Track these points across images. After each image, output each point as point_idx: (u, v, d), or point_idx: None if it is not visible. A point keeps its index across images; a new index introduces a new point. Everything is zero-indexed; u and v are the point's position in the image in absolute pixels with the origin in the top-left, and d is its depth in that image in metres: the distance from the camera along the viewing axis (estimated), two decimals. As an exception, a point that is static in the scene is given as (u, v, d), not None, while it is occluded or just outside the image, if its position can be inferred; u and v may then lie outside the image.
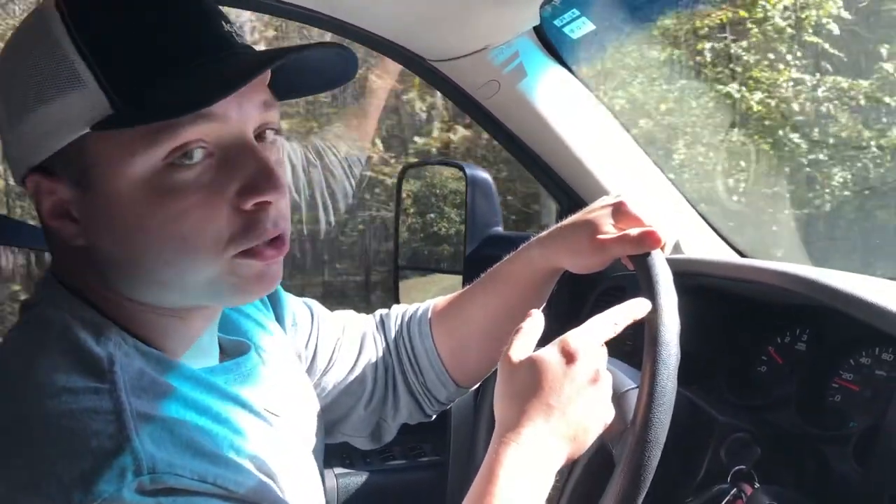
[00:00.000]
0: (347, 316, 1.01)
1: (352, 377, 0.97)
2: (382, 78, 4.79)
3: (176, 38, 0.62)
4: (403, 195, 1.71)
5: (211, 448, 0.61)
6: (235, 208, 0.63)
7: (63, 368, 0.60)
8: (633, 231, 0.84)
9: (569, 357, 0.72)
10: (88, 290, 0.67)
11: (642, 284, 0.80)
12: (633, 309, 0.77)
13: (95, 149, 0.62)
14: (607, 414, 0.75)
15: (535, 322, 0.77)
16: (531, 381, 0.72)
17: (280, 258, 0.67)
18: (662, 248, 0.83)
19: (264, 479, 0.65)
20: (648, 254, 0.81)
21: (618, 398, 0.80)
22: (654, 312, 0.76)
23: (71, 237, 0.65)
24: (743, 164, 4.48)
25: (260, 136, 0.66)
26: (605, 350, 0.75)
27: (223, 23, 0.66)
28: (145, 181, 0.61)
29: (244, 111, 0.64)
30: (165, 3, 0.63)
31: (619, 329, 0.76)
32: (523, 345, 0.75)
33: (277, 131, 0.69)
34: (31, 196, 0.66)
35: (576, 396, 0.71)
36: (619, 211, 0.87)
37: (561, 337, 0.74)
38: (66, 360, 0.61)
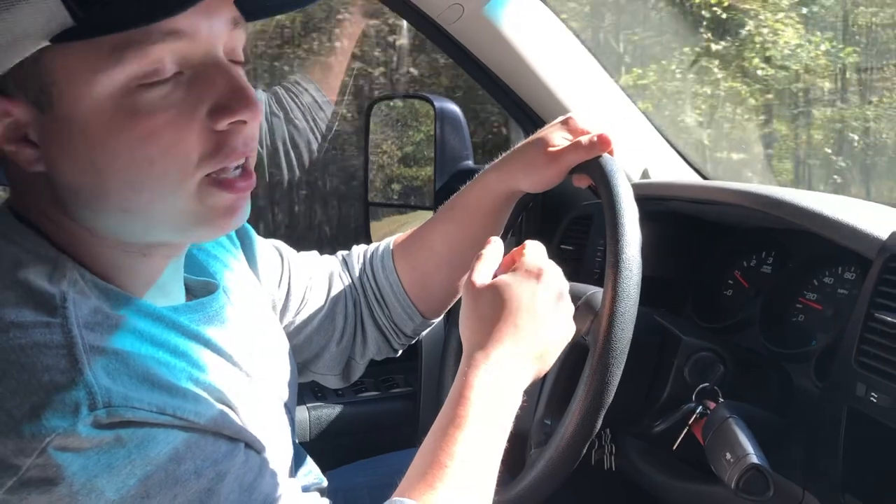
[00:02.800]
0: (313, 256, 1.01)
1: (323, 315, 0.97)
2: (348, 29, 4.67)
3: None
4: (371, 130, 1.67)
5: (168, 380, 0.59)
6: (207, 129, 0.60)
7: (11, 303, 0.57)
8: (584, 138, 0.86)
9: (536, 276, 0.74)
10: (46, 221, 0.63)
11: (596, 182, 0.81)
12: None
13: (55, 65, 0.57)
14: (570, 330, 0.76)
15: (496, 247, 0.78)
16: (497, 303, 0.72)
17: (248, 192, 0.65)
18: (611, 153, 0.85)
19: (225, 409, 0.63)
20: (600, 156, 0.84)
21: (586, 298, 0.83)
22: (612, 206, 0.77)
23: (28, 162, 0.61)
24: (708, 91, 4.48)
25: (230, 59, 0.63)
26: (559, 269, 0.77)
27: None
28: (110, 100, 0.57)
29: (214, 28, 0.60)
30: None
31: None
32: (485, 269, 0.76)
33: (242, 64, 0.65)
34: None
35: (543, 315, 0.73)
36: (568, 125, 0.90)
37: (521, 260, 0.75)
38: (15, 294, 0.58)
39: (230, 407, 0.64)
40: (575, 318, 0.77)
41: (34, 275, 0.59)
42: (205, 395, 0.62)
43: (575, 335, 0.77)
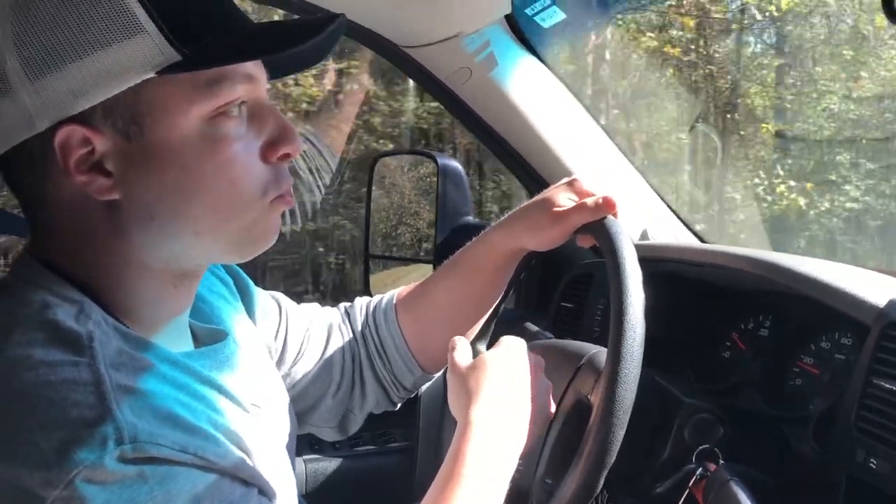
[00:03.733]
0: (313, 308, 1.02)
1: (320, 368, 0.97)
2: (355, 89, 4.79)
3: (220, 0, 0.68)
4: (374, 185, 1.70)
5: (190, 420, 0.61)
6: (262, 160, 0.68)
7: (40, 343, 0.59)
8: (589, 200, 0.88)
9: (506, 349, 0.83)
10: (75, 263, 0.66)
11: (601, 244, 0.82)
12: None
13: (153, 96, 0.63)
14: (546, 386, 0.84)
15: (461, 340, 0.87)
16: (480, 376, 0.80)
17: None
18: (615, 215, 0.86)
19: (241, 453, 0.65)
20: (605, 218, 0.85)
21: (589, 357, 0.85)
22: (617, 267, 0.78)
23: (102, 191, 0.64)
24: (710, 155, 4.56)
25: None
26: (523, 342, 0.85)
27: None
28: (197, 129, 0.64)
29: (263, 76, 0.70)
30: None
31: None
32: (463, 353, 0.84)
33: None
34: (58, 148, 0.63)
35: (521, 375, 0.81)
36: (573, 187, 0.92)
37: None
38: (44, 335, 0.60)
39: (245, 451, 0.66)
40: (579, 376, 0.78)
41: (62, 315, 0.61)
42: (223, 438, 0.63)
43: (578, 394, 0.78)
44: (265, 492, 0.66)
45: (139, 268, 0.68)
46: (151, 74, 0.62)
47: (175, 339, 0.72)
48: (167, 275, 0.70)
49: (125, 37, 0.62)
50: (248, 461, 0.65)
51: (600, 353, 0.85)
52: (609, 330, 0.77)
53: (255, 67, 0.68)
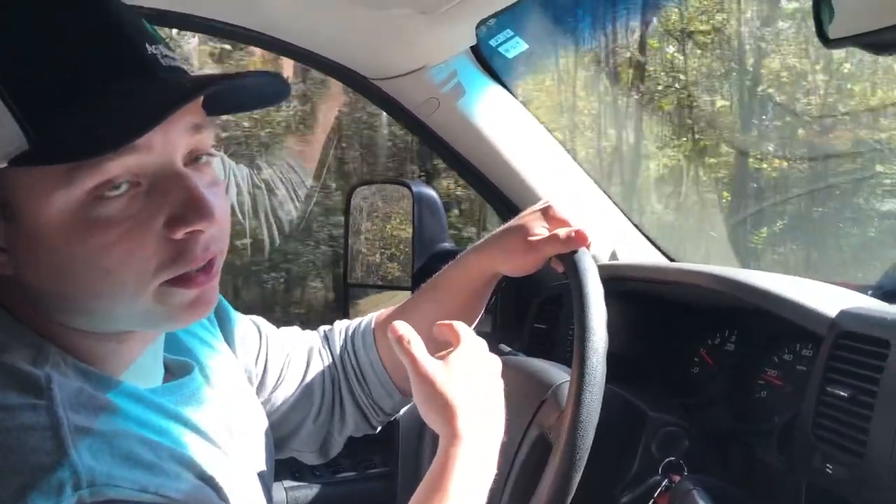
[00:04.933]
0: (293, 332, 1.02)
1: (300, 393, 0.97)
2: (328, 104, 4.82)
3: (89, 63, 0.59)
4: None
5: (150, 458, 0.60)
6: (164, 238, 0.62)
7: None
8: (562, 231, 0.89)
9: (472, 350, 0.79)
10: (23, 314, 0.65)
11: (570, 279, 0.84)
12: None
13: (15, 182, 0.60)
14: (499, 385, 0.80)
15: (405, 326, 0.79)
16: (449, 383, 0.76)
17: (213, 283, 0.66)
18: (588, 247, 0.88)
19: (205, 486, 0.65)
20: (576, 251, 0.86)
21: (553, 390, 0.86)
22: (582, 304, 0.80)
23: (2, 266, 0.63)
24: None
25: (195, 158, 0.65)
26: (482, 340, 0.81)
27: (147, 45, 0.63)
28: (68, 215, 0.59)
29: (170, 139, 0.62)
30: (78, 28, 0.60)
31: None
32: (423, 354, 0.78)
33: (210, 154, 0.67)
34: None
35: (487, 377, 0.78)
36: (547, 214, 0.93)
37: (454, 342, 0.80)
38: (1, 378, 0.59)
39: (210, 485, 0.66)
40: (543, 410, 0.79)
41: (20, 359, 0.60)
42: (186, 473, 0.63)
43: (541, 428, 0.79)
44: None
45: (70, 330, 0.65)
46: (2, 165, 0.58)
47: (144, 375, 0.71)
48: (102, 337, 0.67)
49: None
50: (215, 496, 0.65)
51: (564, 386, 0.87)
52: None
53: (143, 136, 0.59)
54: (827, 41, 0.72)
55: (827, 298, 0.96)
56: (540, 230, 0.91)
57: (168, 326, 0.69)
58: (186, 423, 0.69)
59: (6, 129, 0.57)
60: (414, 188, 1.50)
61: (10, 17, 0.59)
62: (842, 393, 0.85)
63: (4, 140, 0.57)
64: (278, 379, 0.96)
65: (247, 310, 0.99)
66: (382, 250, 1.88)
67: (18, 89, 0.58)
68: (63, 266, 0.61)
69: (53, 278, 0.62)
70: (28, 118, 0.57)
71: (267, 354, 0.96)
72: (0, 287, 0.66)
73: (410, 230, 1.51)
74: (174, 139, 0.62)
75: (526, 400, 0.90)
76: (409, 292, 1.50)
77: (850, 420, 0.83)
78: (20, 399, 0.57)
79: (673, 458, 0.94)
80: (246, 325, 0.95)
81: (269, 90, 0.68)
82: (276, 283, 4.96)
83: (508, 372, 1.00)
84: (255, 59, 4.52)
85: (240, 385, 0.87)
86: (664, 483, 0.92)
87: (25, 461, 0.55)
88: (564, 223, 0.91)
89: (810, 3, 0.72)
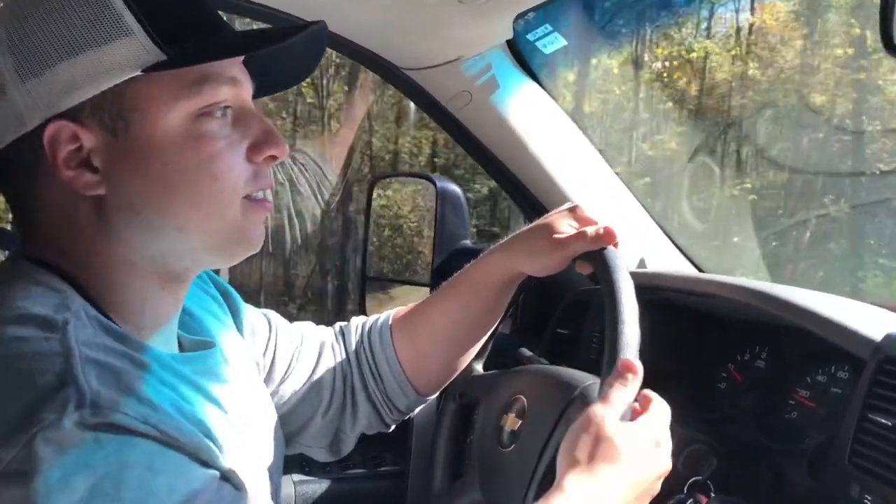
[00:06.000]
0: (306, 326, 1.02)
1: (309, 386, 0.97)
2: (357, 108, 4.83)
3: (201, 6, 0.71)
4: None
5: (154, 398, 0.61)
6: (246, 160, 0.71)
7: (14, 322, 0.61)
8: (590, 229, 0.87)
9: (655, 442, 0.73)
10: (64, 260, 0.68)
11: (599, 276, 0.82)
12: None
13: (139, 93, 0.66)
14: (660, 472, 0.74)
15: (630, 390, 0.74)
16: (613, 452, 0.70)
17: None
18: (616, 246, 0.85)
19: (207, 441, 0.64)
20: (605, 248, 0.84)
21: (582, 390, 0.84)
22: (614, 299, 0.78)
23: (88, 186, 0.66)
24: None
25: None
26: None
27: None
28: (182, 126, 0.67)
29: (248, 82, 0.73)
30: None
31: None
32: (618, 410, 0.73)
33: None
34: (47, 144, 0.66)
35: (647, 476, 0.72)
36: (574, 213, 0.91)
37: (646, 417, 0.74)
38: (19, 315, 0.62)
39: (214, 443, 0.65)
40: (570, 410, 0.77)
41: (40, 305, 0.63)
42: (187, 422, 0.63)
43: (567, 426, 0.76)
44: (229, 479, 0.64)
45: (126, 266, 0.69)
46: (138, 72, 0.65)
47: (160, 345, 0.72)
48: (154, 275, 0.71)
49: (113, 37, 0.65)
50: (216, 450, 0.64)
51: (593, 386, 0.84)
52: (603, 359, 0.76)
53: (239, 73, 0.71)
54: (892, 47, 0.70)
55: (871, 320, 0.92)
56: (566, 228, 0.90)
57: (235, 251, 0.74)
58: (200, 390, 0.70)
59: (139, 43, 0.65)
60: (438, 183, 1.48)
61: None
62: (884, 421, 0.81)
63: (136, 52, 0.65)
64: (286, 372, 0.96)
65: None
66: (402, 244, 1.86)
67: (151, 16, 0.66)
68: (170, 175, 0.67)
69: (159, 191, 0.67)
70: (160, 36, 0.66)
71: (276, 346, 0.95)
72: (44, 230, 0.69)
73: (430, 225, 1.49)
74: (249, 84, 0.73)
75: (551, 402, 0.88)
76: (427, 289, 1.48)
77: (893, 450, 0.79)
78: (35, 332, 0.61)
79: (699, 478, 0.90)
80: (255, 315, 0.95)
81: (312, 56, 0.77)
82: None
83: (532, 376, 0.97)
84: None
85: (252, 373, 0.87)
86: (689, 502, 0.88)
87: (34, 382, 0.57)
88: (592, 222, 0.89)
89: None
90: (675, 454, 0.91)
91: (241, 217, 0.71)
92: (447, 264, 1.45)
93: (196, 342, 0.79)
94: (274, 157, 0.73)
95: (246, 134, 0.71)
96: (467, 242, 1.50)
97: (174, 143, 0.67)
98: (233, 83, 0.70)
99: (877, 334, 0.88)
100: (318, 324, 1.05)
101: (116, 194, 0.67)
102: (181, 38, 0.67)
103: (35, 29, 0.65)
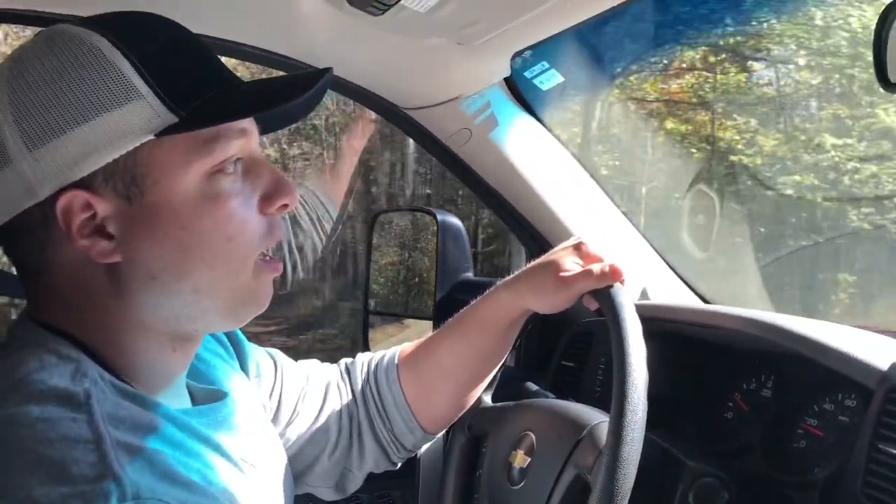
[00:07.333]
0: (311, 365, 1.01)
1: (315, 427, 0.96)
2: (357, 140, 4.86)
3: (209, 61, 0.70)
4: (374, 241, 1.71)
5: (187, 477, 0.61)
6: (259, 212, 0.71)
7: (36, 400, 0.59)
8: (595, 267, 0.87)
9: None
10: (74, 324, 0.66)
11: (607, 315, 0.82)
12: None
13: (152, 157, 0.65)
14: None
15: None
16: None
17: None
18: (622, 283, 0.86)
19: None
20: (611, 285, 0.84)
21: (590, 430, 0.83)
22: (621, 339, 0.77)
23: (103, 254, 0.65)
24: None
25: None
26: None
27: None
28: (197, 186, 0.66)
29: (256, 131, 0.72)
30: (187, 41, 0.70)
31: None
32: None
33: None
34: (60, 214, 0.64)
35: None
36: (580, 251, 0.91)
37: None
38: (39, 392, 0.60)
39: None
40: (579, 450, 0.76)
41: (58, 374, 0.61)
42: (218, 495, 0.64)
43: (577, 469, 0.76)
44: None
45: (139, 329, 0.69)
46: (150, 137, 0.64)
47: (172, 399, 0.72)
48: (166, 337, 0.70)
49: (122, 102, 0.64)
50: None
51: (601, 425, 0.84)
52: (612, 392, 0.76)
53: (248, 123, 0.71)
54: (888, 85, 0.71)
55: (877, 349, 0.91)
56: (572, 266, 0.90)
57: (246, 313, 0.73)
58: (217, 448, 0.70)
59: (150, 107, 0.64)
60: (439, 216, 1.49)
61: (151, 33, 0.68)
62: (895, 451, 0.80)
63: (147, 116, 0.64)
64: (292, 413, 0.95)
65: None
66: (404, 279, 1.86)
67: (159, 74, 0.65)
68: (186, 239, 0.66)
69: (176, 254, 0.66)
70: (171, 97, 0.65)
71: (282, 388, 0.95)
72: (54, 296, 0.68)
73: (432, 258, 1.49)
74: (256, 132, 0.72)
75: (560, 441, 0.87)
76: (429, 322, 1.48)
77: (906, 481, 0.79)
78: (60, 412, 0.59)
79: (711, 512, 0.90)
80: (261, 356, 0.95)
81: (312, 101, 0.75)
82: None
83: (540, 412, 0.97)
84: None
85: (260, 417, 0.86)
86: (702, 538, 0.87)
87: (69, 472, 0.56)
88: (597, 259, 0.89)
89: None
90: (686, 489, 0.91)
91: (252, 279, 0.71)
92: (450, 298, 1.45)
93: (207, 392, 0.79)
94: (286, 206, 0.72)
95: (257, 184, 0.71)
96: (469, 275, 1.50)
97: (189, 206, 0.66)
98: (243, 135, 0.70)
99: (883, 363, 0.88)
100: (322, 360, 1.05)
101: (132, 260, 0.66)
102: (190, 97, 0.66)
103: (39, 95, 0.63)
